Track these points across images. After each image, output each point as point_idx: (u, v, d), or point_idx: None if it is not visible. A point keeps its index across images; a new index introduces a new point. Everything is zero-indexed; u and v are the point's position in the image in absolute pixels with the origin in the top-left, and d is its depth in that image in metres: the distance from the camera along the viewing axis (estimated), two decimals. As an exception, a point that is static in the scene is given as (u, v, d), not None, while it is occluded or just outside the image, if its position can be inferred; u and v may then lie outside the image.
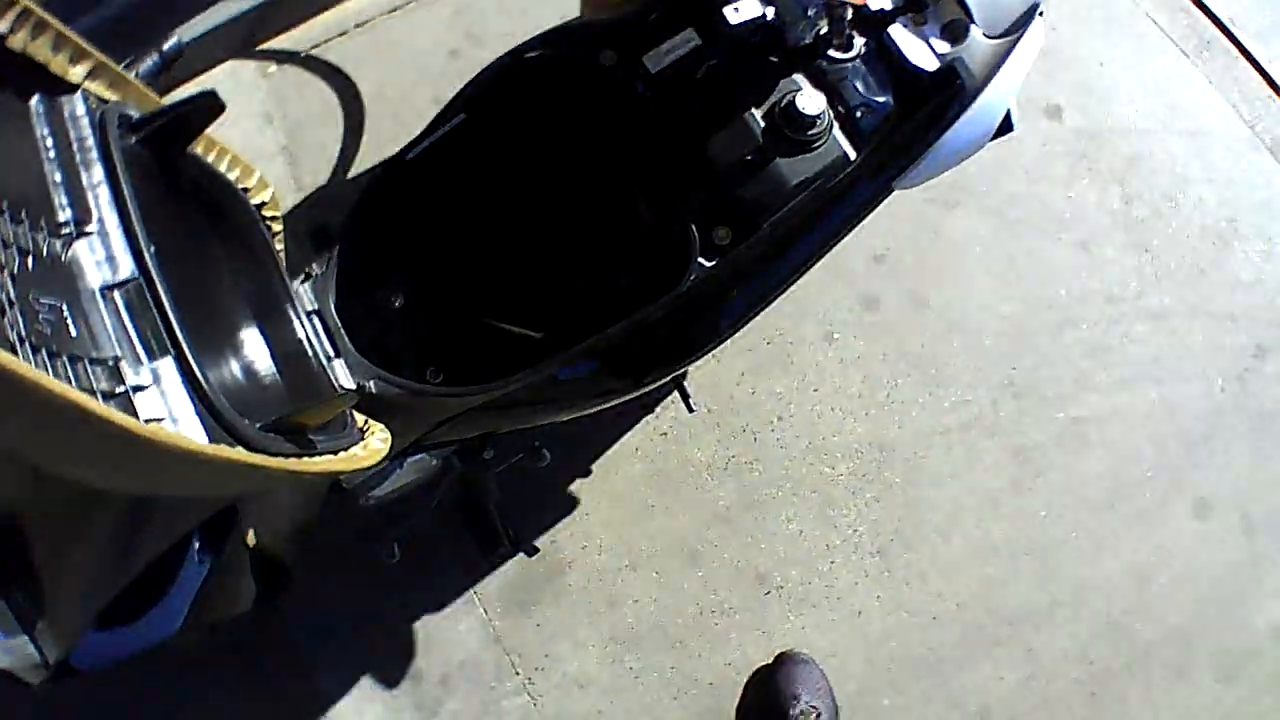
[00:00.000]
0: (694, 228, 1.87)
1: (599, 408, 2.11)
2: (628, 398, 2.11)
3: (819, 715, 2.54)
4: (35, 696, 1.67)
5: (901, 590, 2.78)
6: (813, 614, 2.75)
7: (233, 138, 3.08)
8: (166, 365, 1.24)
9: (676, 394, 2.82)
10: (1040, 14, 1.96)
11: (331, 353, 1.84)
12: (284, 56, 3.26)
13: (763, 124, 1.88)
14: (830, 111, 1.88)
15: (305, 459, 1.36)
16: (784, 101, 1.86)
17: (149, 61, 1.76)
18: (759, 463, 2.85)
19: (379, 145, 3.15)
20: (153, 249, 1.33)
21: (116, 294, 1.27)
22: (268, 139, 3.19)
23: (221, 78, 3.25)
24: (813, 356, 2.95)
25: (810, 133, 1.85)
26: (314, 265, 1.97)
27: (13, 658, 1.46)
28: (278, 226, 1.89)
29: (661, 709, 2.69)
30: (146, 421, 1.16)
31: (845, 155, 1.88)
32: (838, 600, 2.76)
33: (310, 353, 1.76)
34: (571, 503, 2.81)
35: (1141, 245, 3.12)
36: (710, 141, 1.91)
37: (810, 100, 1.83)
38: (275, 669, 2.70)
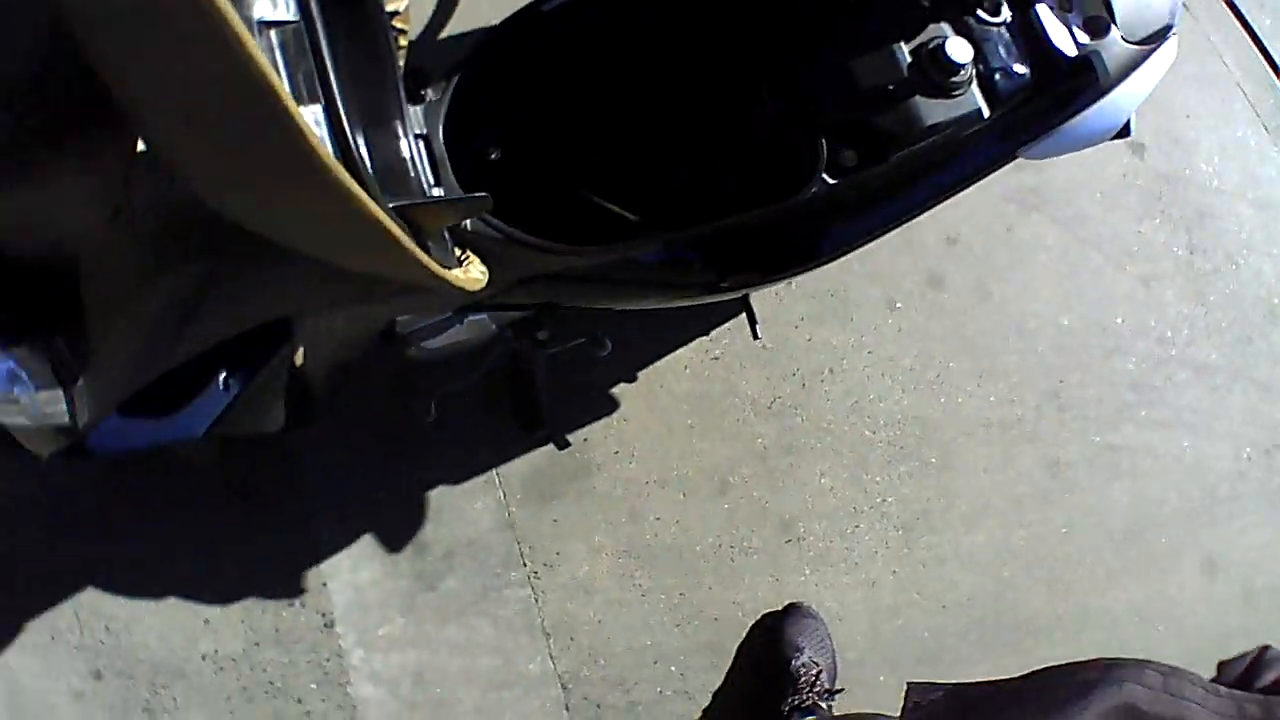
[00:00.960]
0: (824, 142, 1.83)
1: (671, 303, 2.08)
2: (701, 300, 2.06)
3: (819, 671, 2.46)
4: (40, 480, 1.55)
5: (918, 570, 2.71)
6: (828, 572, 2.67)
7: None
8: (314, 111, 1.20)
9: (735, 320, 2.75)
10: (1174, 32, 1.98)
11: (433, 180, 1.74)
12: None
13: (909, 59, 1.85)
14: (973, 64, 1.86)
15: (426, 256, 1.29)
16: (933, 44, 1.83)
17: None
18: (803, 409, 2.77)
19: None
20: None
21: (273, 33, 1.22)
22: None
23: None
24: (873, 319, 2.88)
25: (953, 79, 1.83)
26: (429, 91, 1.86)
27: (38, 414, 1.38)
28: (404, 40, 1.83)
29: (663, 632, 2.59)
30: None
31: (980, 110, 1.86)
32: (855, 565, 2.69)
33: (413, 174, 1.65)
34: (612, 405, 2.70)
35: (1199, 296, 3.10)
36: (857, 63, 1.87)
37: (959, 48, 1.81)
38: (277, 512, 2.55)
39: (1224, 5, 3.44)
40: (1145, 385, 2.97)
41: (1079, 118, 1.91)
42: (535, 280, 1.91)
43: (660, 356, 2.75)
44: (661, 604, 2.59)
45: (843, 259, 2.74)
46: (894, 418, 2.79)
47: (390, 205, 1.24)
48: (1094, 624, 2.76)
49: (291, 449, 2.55)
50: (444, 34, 2.74)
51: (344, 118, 1.20)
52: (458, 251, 1.63)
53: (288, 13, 1.23)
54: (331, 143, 1.19)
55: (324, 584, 2.51)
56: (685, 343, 2.77)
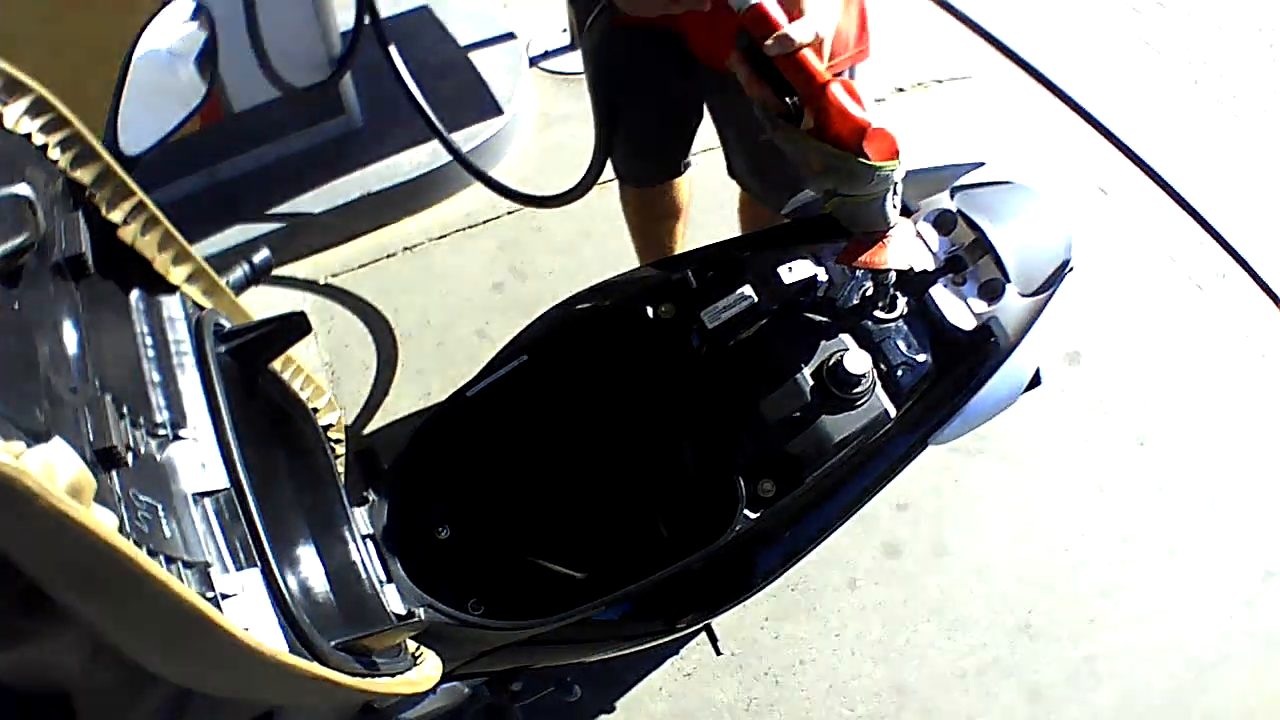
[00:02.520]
0: (741, 480, 1.84)
1: (632, 649, 2.08)
2: (660, 641, 2.10)
3: None
4: None
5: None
6: None
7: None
8: (252, 576, 1.22)
9: (702, 635, 2.80)
10: (1070, 269, 1.99)
11: (384, 577, 1.79)
12: (298, 284, 3.21)
13: (811, 382, 1.87)
14: (874, 370, 1.87)
15: (372, 679, 1.35)
16: (832, 361, 1.85)
17: (239, 272, 1.75)
18: (779, 705, 2.81)
19: (419, 371, 3.13)
20: (243, 460, 1.29)
21: (208, 501, 1.24)
22: (311, 354, 3.18)
23: (269, 289, 3.21)
24: (835, 603, 2.92)
25: (855, 391, 1.84)
26: (370, 492, 1.93)
27: None
28: (340, 449, 1.88)
29: None
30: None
31: (886, 412, 1.87)
32: None
33: (364, 576, 1.72)
34: (596, 738, 2.78)
35: (1156, 483, 3.10)
36: (761, 397, 1.89)
37: (856, 360, 1.82)
38: None
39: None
40: (1114, 587, 2.96)
41: (985, 389, 1.93)
42: (496, 651, 1.94)
43: (635, 683, 2.81)
44: None
45: None
46: (870, 691, 2.82)
47: (334, 642, 1.33)
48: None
49: None
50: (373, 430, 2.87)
51: (280, 579, 1.23)
52: (411, 646, 1.70)
53: (217, 481, 1.27)
54: (272, 603, 1.22)
55: None
56: (657, 666, 2.83)
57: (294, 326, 1.55)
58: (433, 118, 3.19)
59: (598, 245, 3.29)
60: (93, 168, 1.23)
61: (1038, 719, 2.83)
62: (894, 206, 1.77)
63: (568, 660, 2.14)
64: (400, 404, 3.18)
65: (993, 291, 1.94)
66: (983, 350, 1.92)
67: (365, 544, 1.79)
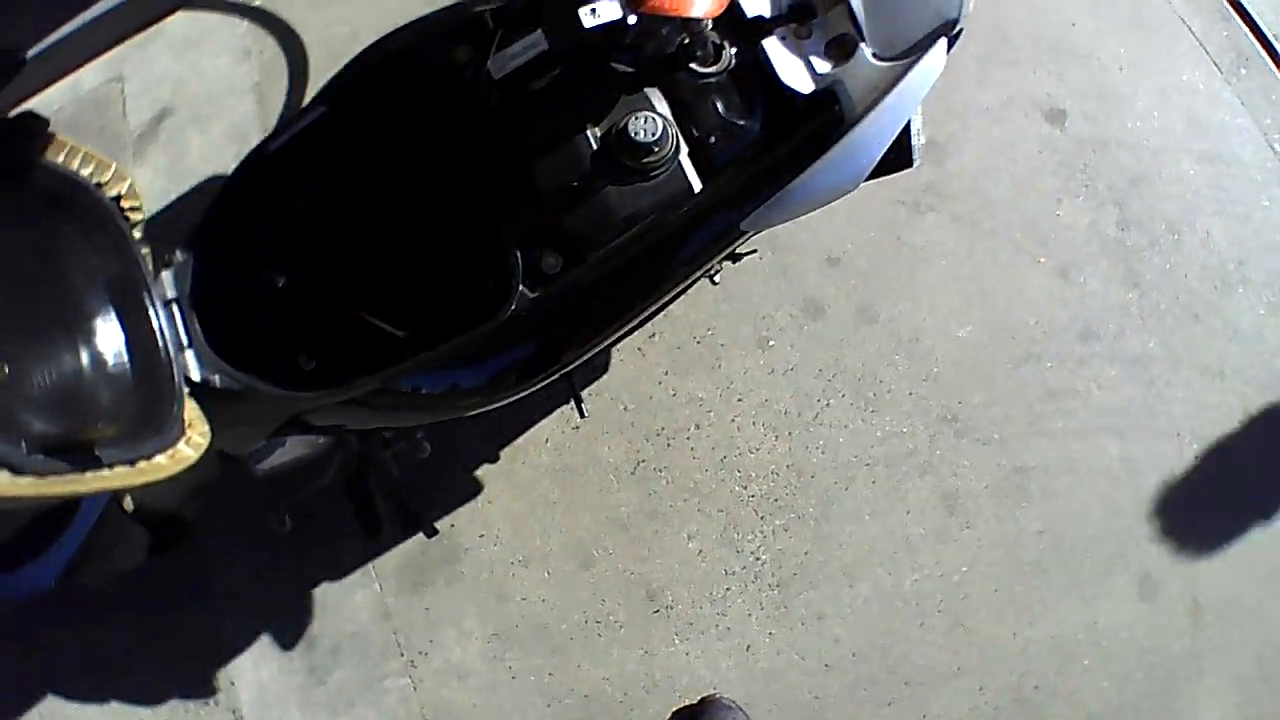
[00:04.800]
0: (519, 253, 1.66)
1: (451, 416, 1.92)
2: (482, 409, 1.89)
3: None
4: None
5: (796, 630, 2.48)
6: (699, 640, 2.48)
7: (208, 71, 2.89)
8: None
9: (600, 383, 2.62)
10: (958, 32, 1.64)
11: (184, 342, 1.71)
12: (233, 6, 2.97)
13: (596, 146, 1.65)
14: (677, 136, 1.63)
15: (81, 478, 1.33)
16: (620, 123, 1.61)
17: None
18: (668, 470, 2.55)
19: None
20: None
21: None
22: (241, 75, 2.96)
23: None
24: (743, 363, 2.61)
25: (646, 160, 1.61)
26: (177, 253, 1.80)
27: None
28: (137, 216, 1.76)
29: (535, 713, 2.47)
30: None
31: (688, 187, 1.63)
32: (727, 630, 2.48)
33: (159, 344, 1.66)
34: (476, 487, 2.57)
35: (1132, 279, 2.68)
36: (540, 162, 1.68)
37: (646, 125, 1.59)
38: (186, 616, 2.58)
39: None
40: (1063, 391, 2.59)
41: (817, 167, 1.61)
42: (312, 413, 1.82)
43: (522, 432, 2.58)
44: (531, 685, 2.47)
45: (708, 298, 2.53)
46: (767, 468, 2.54)
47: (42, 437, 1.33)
48: (1003, 667, 2.47)
49: (195, 564, 2.55)
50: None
51: None
52: (187, 417, 1.62)
53: None
54: None
55: (231, 682, 2.53)
56: (548, 413, 2.58)
57: (29, 126, 1.56)
58: None
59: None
60: None
61: (950, 529, 2.53)
62: None
63: (390, 423, 1.99)
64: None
65: (842, 50, 1.63)
66: (820, 120, 1.62)
67: (167, 308, 1.71)
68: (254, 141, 2.83)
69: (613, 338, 1.85)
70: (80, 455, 1.36)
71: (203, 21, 2.98)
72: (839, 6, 1.65)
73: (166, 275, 1.75)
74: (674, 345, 2.61)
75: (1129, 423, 2.58)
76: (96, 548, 1.79)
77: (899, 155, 1.72)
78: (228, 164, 2.81)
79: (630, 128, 1.59)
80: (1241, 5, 2.88)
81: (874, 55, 1.61)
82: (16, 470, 1.23)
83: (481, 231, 1.79)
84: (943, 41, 1.64)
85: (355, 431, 2.10)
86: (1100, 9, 2.86)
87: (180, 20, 3.01)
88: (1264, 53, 2.83)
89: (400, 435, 2.22)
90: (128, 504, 1.83)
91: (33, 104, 2.94)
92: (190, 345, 1.71)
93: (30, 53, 2.96)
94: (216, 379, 1.70)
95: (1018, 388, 2.59)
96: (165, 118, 2.92)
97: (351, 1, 2.96)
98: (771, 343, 2.62)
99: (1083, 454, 2.56)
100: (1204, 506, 2.54)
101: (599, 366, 2.55)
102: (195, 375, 1.68)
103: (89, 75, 3.00)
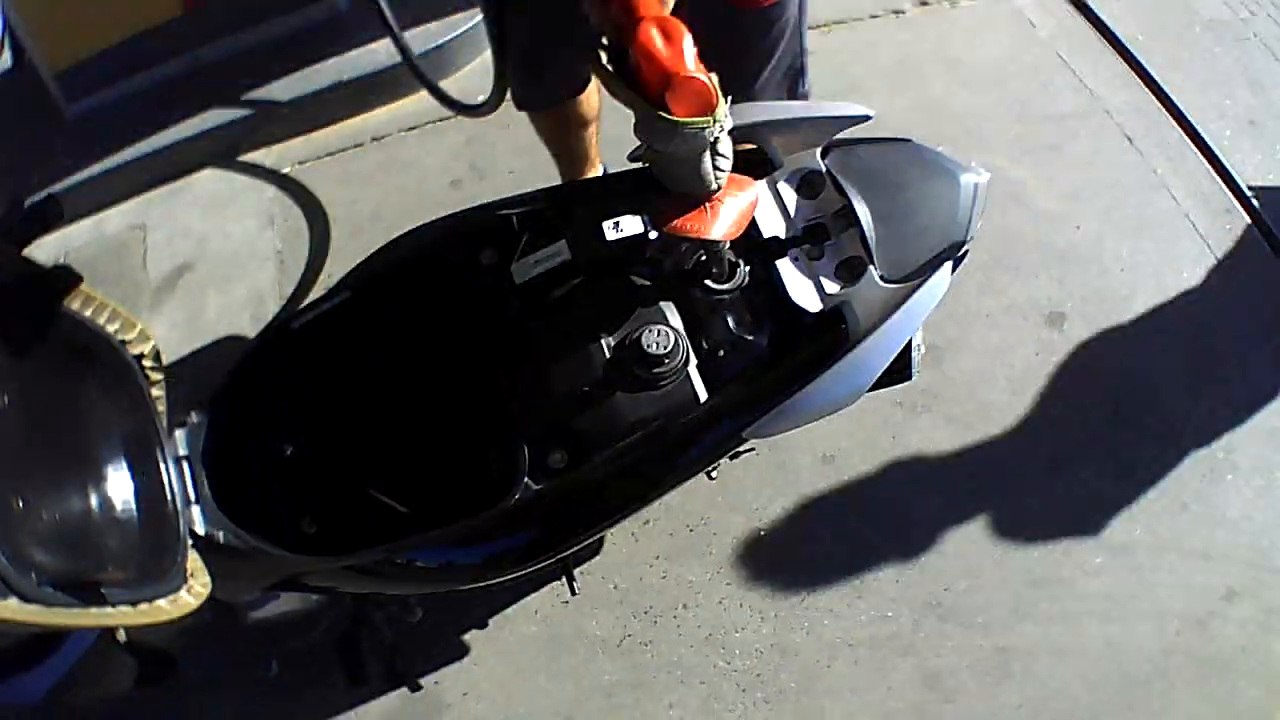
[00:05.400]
0: (526, 447, 1.70)
1: (446, 589, 1.95)
2: (474, 586, 1.92)
3: None
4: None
5: (772, 804, 2.46)
6: (675, 812, 2.46)
7: (232, 232, 3.01)
8: None
9: (590, 564, 2.63)
10: (964, 253, 1.72)
11: (192, 498, 1.75)
12: (262, 171, 3.12)
13: (609, 355, 1.69)
14: (687, 348, 1.67)
15: (86, 613, 1.36)
16: (634, 335, 1.66)
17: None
18: (654, 645, 2.56)
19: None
20: None
21: None
22: (265, 242, 3.08)
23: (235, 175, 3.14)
24: (734, 550, 2.65)
25: (656, 370, 1.65)
26: (192, 414, 1.86)
27: None
28: (156, 375, 1.80)
29: None
30: None
31: (695, 397, 1.67)
32: (704, 800, 2.47)
33: (168, 498, 1.69)
34: (464, 649, 2.59)
35: (1123, 472, 2.70)
36: (554, 365, 1.73)
37: (658, 339, 1.63)
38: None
39: (1174, 123, 2.98)
40: (1049, 579, 2.60)
41: (820, 381, 1.67)
42: (310, 575, 1.86)
43: (512, 603, 2.62)
44: None
45: (704, 490, 2.58)
46: (751, 647, 2.55)
47: (41, 581, 1.32)
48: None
49: (177, 699, 2.53)
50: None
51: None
52: (191, 568, 1.64)
53: None
54: None
55: (214, 825, 2.52)
56: (536, 589, 2.62)
57: (65, 276, 1.61)
58: (384, 7, 2.99)
59: (559, 150, 3.11)
60: None
61: (929, 706, 2.51)
62: (717, 169, 1.51)
63: (390, 591, 2.04)
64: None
65: (851, 272, 1.69)
66: (826, 338, 1.67)
67: (177, 465, 1.75)
68: (271, 307, 2.96)
69: (609, 528, 1.91)
70: (86, 592, 1.40)
71: (231, 182, 3.12)
72: (850, 230, 1.72)
73: (180, 433, 1.81)
74: (667, 531, 2.66)
75: (1113, 606, 2.58)
76: (87, 671, 1.78)
77: (898, 369, 1.78)
78: (243, 326, 2.91)
79: (644, 340, 1.64)
80: (1245, 197, 2.97)
81: (881, 278, 1.68)
82: (25, 598, 1.26)
83: (491, 423, 1.83)
84: (948, 264, 1.72)
85: (350, 593, 2.14)
86: (1110, 213, 2.96)
87: (209, 176, 3.15)
88: (1266, 245, 2.90)
89: (393, 599, 2.25)
90: (120, 634, 1.88)
91: (54, 239, 3.06)
92: (197, 501, 1.76)
93: (59, 187, 3.12)
94: (220, 535, 1.74)
95: (1003, 575, 2.60)
96: (185, 272, 3.02)
97: (376, 184, 3.09)
98: (763, 533, 2.65)
99: (1066, 636, 2.55)
100: (1185, 679, 2.52)
101: (593, 548, 2.57)
102: (200, 530, 1.73)
103: (113, 218, 3.13)
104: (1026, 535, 2.64)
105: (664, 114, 1.38)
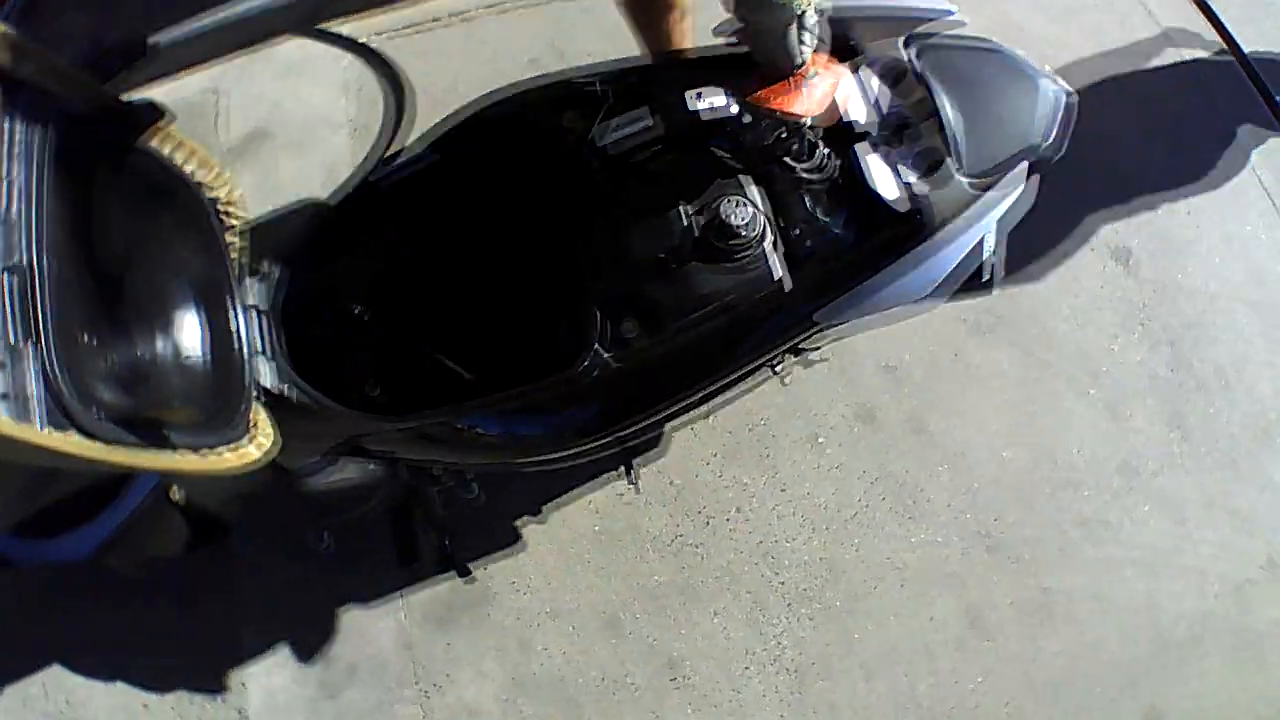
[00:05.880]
0: (599, 314, 1.71)
1: (506, 461, 1.99)
2: (529, 461, 1.97)
3: None
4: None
5: (808, 716, 2.50)
6: (712, 713, 2.49)
7: (308, 99, 2.95)
8: (30, 349, 1.27)
9: (650, 458, 2.64)
10: (1044, 170, 1.75)
11: (260, 349, 1.76)
12: (340, 40, 3.06)
13: (688, 225, 1.69)
14: (765, 224, 1.67)
15: (147, 453, 1.36)
16: (713, 205, 1.66)
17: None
18: (704, 548, 2.58)
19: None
20: (45, 241, 1.35)
21: (5, 276, 1.30)
22: (338, 110, 3.04)
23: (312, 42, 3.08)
24: (790, 455, 2.64)
25: (734, 243, 1.65)
26: (266, 264, 1.86)
27: None
28: (232, 220, 1.79)
29: (542, 764, 2.49)
30: None
31: (769, 274, 1.67)
32: (739, 708, 2.50)
33: (235, 345, 1.70)
34: (515, 537, 2.60)
35: (1175, 420, 2.71)
36: (633, 231, 1.74)
37: (738, 210, 1.64)
38: (208, 613, 2.60)
39: (1250, 82, 2.95)
40: (1096, 522, 2.62)
41: (890, 272, 1.68)
42: (369, 437, 1.87)
43: (568, 493, 2.62)
44: (541, 735, 2.50)
45: (767, 393, 2.58)
46: (801, 560, 2.57)
47: (101, 415, 1.32)
48: (1004, 779, 2.48)
49: (227, 565, 2.58)
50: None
51: (50, 354, 1.28)
52: (255, 420, 1.65)
53: (19, 258, 1.32)
54: (38, 378, 1.26)
55: (243, 684, 2.55)
56: (595, 478, 2.62)
57: (147, 115, 1.61)
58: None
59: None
60: None
61: (970, 641, 2.55)
62: (803, 43, 1.54)
63: (444, 459, 2.02)
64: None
65: (929, 164, 1.69)
66: (902, 227, 1.67)
67: (248, 314, 1.75)
68: (344, 175, 2.92)
69: (673, 412, 1.90)
70: (149, 432, 1.40)
71: (308, 49, 3.06)
72: (930, 123, 1.71)
73: (252, 283, 1.81)
74: (727, 431, 2.65)
75: (1156, 559, 2.61)
76: (135, 531, 1.83)
77: (978, 278, 1.78)
78: (315, 192, 2.86)
79: (723, 210, 1.64)
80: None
81: (959, 172, 1.67)
82: (86, 433, 1.26)
83: (565, 289, 1.82)
84: (1024, 167, 1.72)
85: (408, 462, 2.13)
86: (1180, 154, 2.94)
87: (286, 43, 3.09)
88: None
89: (451, 474, 2.24)
90: (175, 494, 1.88)
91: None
92: (265, 353, 1.76)
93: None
94: (286, 389, 1.74)
95: (1053, 513, 2.62)
96: (259, 138, 2.98)
97: (456, 60, 3.04)
98: (821, 440, 2.65)
99: (1108, 584, 2.58)
100: (1219, 646, 2.56)
101: (651, 441, 2.58)
102: (267, 382, 1.73)
103: (188, 82, 3.07)
104: (1078, 474, 2.65)
105: None
